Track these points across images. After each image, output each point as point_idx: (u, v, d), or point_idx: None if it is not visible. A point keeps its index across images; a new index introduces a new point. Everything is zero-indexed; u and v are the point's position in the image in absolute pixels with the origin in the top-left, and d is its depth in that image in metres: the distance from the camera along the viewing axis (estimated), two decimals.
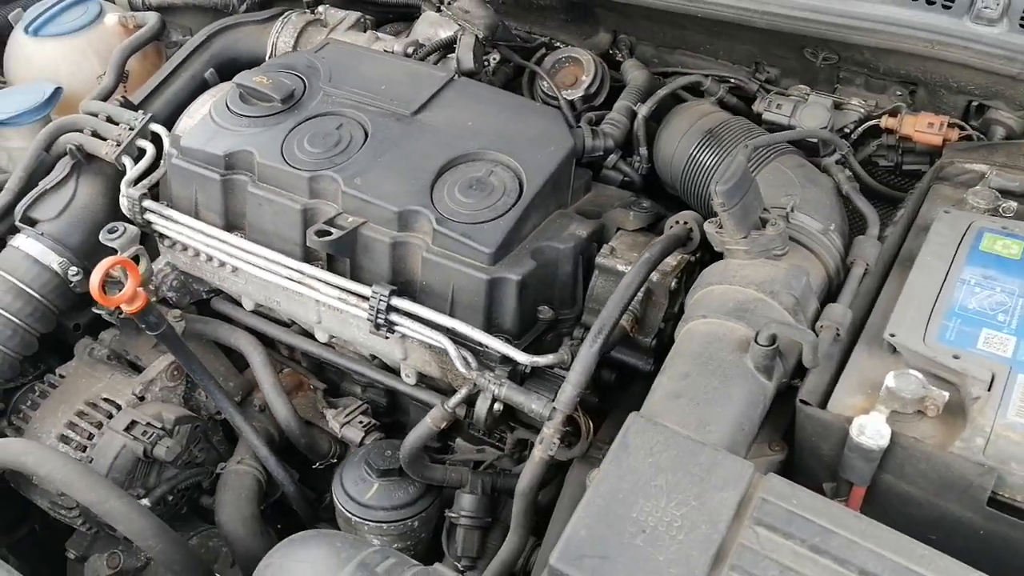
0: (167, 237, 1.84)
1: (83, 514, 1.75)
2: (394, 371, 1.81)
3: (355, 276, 1.66)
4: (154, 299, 1.82)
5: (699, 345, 1.41)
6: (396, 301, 1.57)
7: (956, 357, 1.34)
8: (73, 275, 1.82)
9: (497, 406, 1.57)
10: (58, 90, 2.02)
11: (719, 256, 1.56)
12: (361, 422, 1.88)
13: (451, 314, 1.58)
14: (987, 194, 1.57)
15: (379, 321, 1.59)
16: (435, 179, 1.64)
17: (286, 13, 2.16)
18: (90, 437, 1.78)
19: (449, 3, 1.97)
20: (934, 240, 1.52)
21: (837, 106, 1.78)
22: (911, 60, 1.68)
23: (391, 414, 1.99)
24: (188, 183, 1.80)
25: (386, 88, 1.80)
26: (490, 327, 1.58)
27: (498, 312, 1.58)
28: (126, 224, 1.80)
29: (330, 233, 1.60)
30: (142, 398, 1.85)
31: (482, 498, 1.67)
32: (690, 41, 1.98)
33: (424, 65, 1.91)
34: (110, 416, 1.81)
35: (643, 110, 1.82)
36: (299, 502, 1.92)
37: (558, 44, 2.09)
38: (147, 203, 1.80)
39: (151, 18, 2.14)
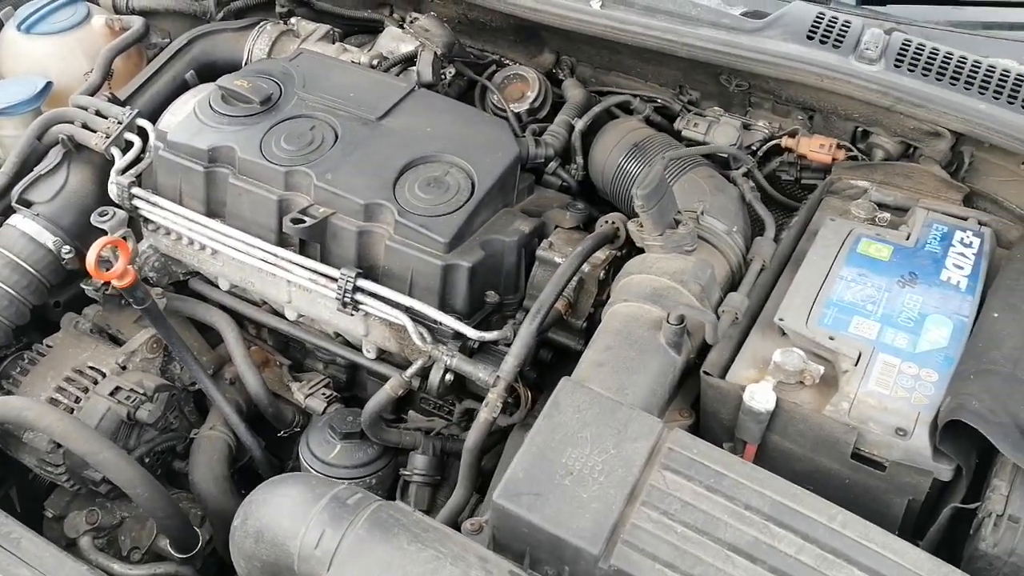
0: (151, 222, 2.04)
1: (68, 471, 1.93)
2: (355, 348, 2.04)
3: (324, 260, 1.87)
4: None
5: (620, 323, 1.67)
6: (361, 282, 1.80)
7: (831, 338, 1.61)
8: (66, 253, 2.00)
9: (448, 376, 1.80)
10: (49, 84, 2.20)
11: (641, 251, 1.83)
12: (324, 394, 2.09)
13: (410, 295, 1.81)
14: (867, 206, 1.86)
15: (346, 300, 1.81)
16: (397, 177, 1.87)
17: (261, 23, 2.37)
18: (77, 401, 1.96)
19: (411, 22, 2.20)
20: (820, 243, 1.80)
21: (745, 127, 2.06)
22: (806, 90, 1.96)
23: (350, 389, 2.20)
24: (173, 173, 2.00)
25: (354, 95, 2.02)
26: (444, 307, 1.81)
27: (451, 294, 1.82)
28: (115, 208, 2.00)
29: (304, 221, 1.82)
30: (124, 367, 2.03)
31: (433, 459, 1.90)
32: (623, 64, 2.24)
33: (388, 76, 2.14)
34: (95, 382, 1.99)
35: (580, 124, 2.09)
36: (265, 466, 2.12)
37: (507, 62, 2.33)
38: (135, 190, 2.00)
39: (136, 22, 2.33)
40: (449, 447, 1.94)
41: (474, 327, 1.80)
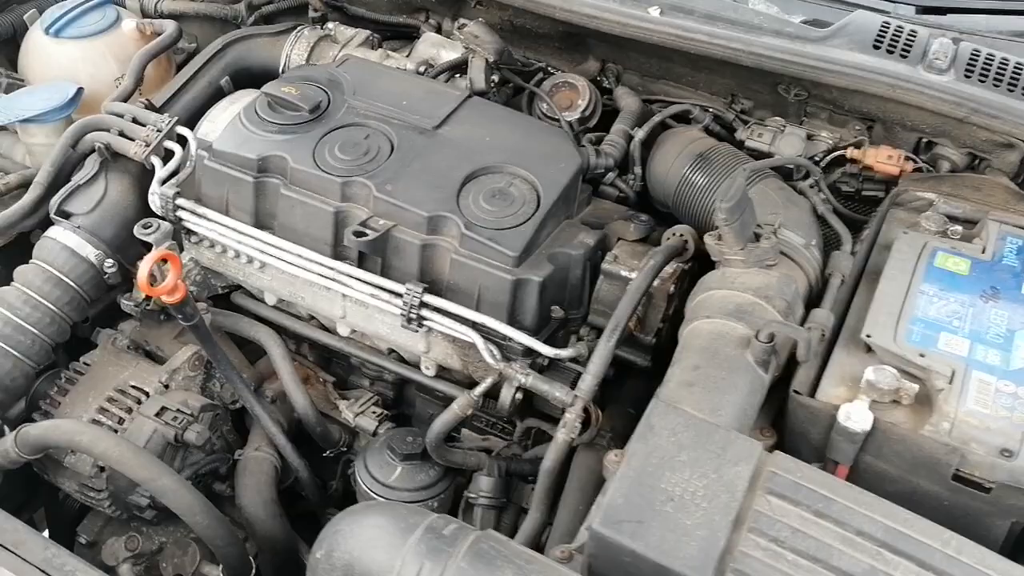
0: (194, 234, 1.95)
1: (111, 496, 1.84)
2: (409, 364, 1.97)
3: (384, 274, 1.81)
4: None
5: (705, 341, 1.62)
6: (428, 298, 1.74)
7: (922, 355, 1.57)
8: (109, 267, 1.91)
9: (518, 395, 1.74)
10: (80, 90, 2.10)
11: (710, 265, 1.78)
12: (374, 412, 2.02)
13: (476, 310, 1.75)
14: (937, 219, 1.82)
15: (411, 316, 1.75)
16: (460, 188, 1.81)
17: (298, 28, 2.29)
18: (120, 422, 1.88)
19: (460, 27, 2.13)
20: (896, 257, 1.76)
21: (808, 137, 2.02)
22: (873, 100, 1.92)
23: (397, 406, 2.13)
24: (219, 184, 1.92)
25: (407, 103, 1.95)
26: (512, 323, 1.75)
27: (520, 310, 1.75)
28: (159, 220, 1.92)
29: (366, 234, 1.75)
30: (167, 386, 1.95)
31: (499, 480, 1.84)
32: (673, 73, 2.19)
33: (440, 84, 2.08)
34: (139, 402, 1.90)
35: (640, 134, 2.03)
36: (311, 488, 2.05)
37: (552, 69, 2.28)
38: (180, 201, 1.91)
39: (168, 26, 2.24)
40: (514, 468, 1.88)
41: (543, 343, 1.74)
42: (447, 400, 2.03)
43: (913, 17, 2.05)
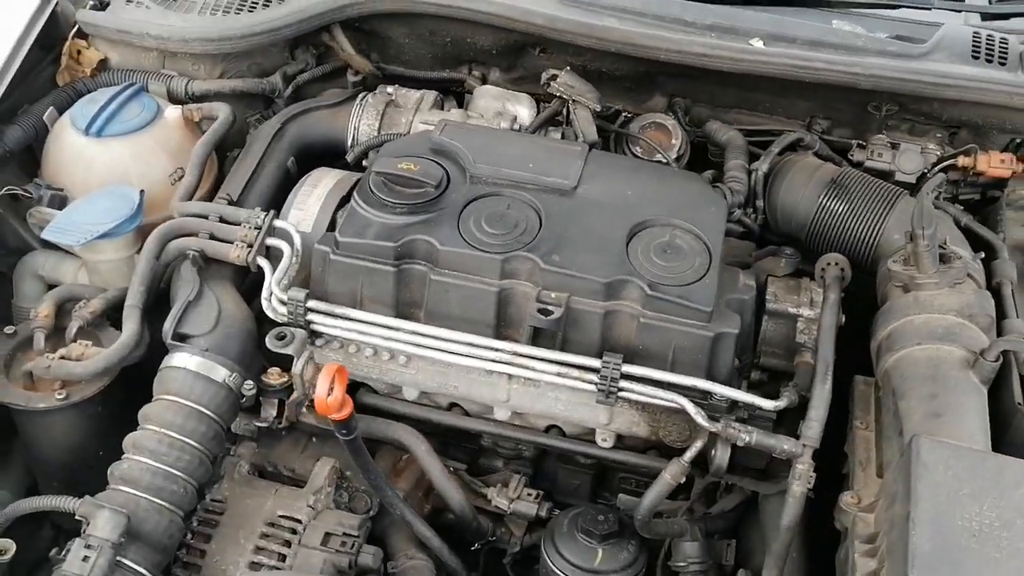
0: (320, 335, 1.77)
1: None
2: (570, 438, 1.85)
3: (563, 349, 1.69)
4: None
5: (927, 368, 1.60)
6: (628, 368, 1.64)
7: None
8: (248, 389, 1.69)
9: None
10: (143, 194, 1.87)
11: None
12: (528, 495, 1.90)
13: (672, 372, 1.66)
14: None
15: (611, 389, 1.64)
16: (627, 248, 1.72)
17: (362, 96, 2.14)
18: (282, 558, 1.67)
19: (551, 78, 2.04)
20: None
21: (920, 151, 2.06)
22: (973, 108, 1.99)
23: (535, 482, 2.00)
24: (350, 278, 1.74)
25: (533, 165, 1.84)
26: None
27: (716, 366, 1.68)
28: (291, 328, 1.73)
29: (550, 311, 1.63)
30: (314, 508, 1.75)
31: (704, 543, 1.76)
32: (749, 100, 2.19)
33: (553, 140, 1.98)
34: (293, 532, 1.70)
35: (763, 167, 2.01)
36: None
37: (626, 111, 2.22)
38: (312, 303, 1.73)
39: (221, 110, 2.02)
40: (710, 527, 1.80)
41: None
42: (599, 469, 1.95)
43: (984, 25, 2.13)
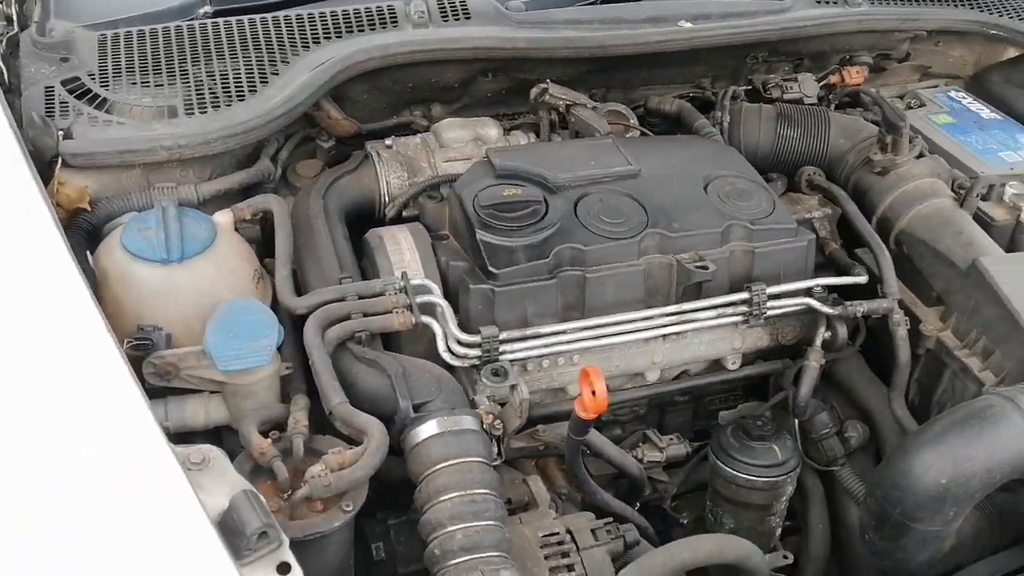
0: (514, 361, 1.87)
1: None
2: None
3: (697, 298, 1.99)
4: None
5: (938, 218, 2.16)
6: (772, 288, 1.98)
7: None
8: (498, 428, 1.73)
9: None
10: (274, 317, 1.78)
11: None
12: (671, 440, 2.15)
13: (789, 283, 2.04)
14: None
15: (759, 312, 1.97)
16: (712, 203, 2.06)
17: (370, 151, 2.19)
18: (570, 568, 1.76)
19: (543, 91, 2.27)
20: None
21: None
22: (826, 39, 2.60)
23: None
24: (517, 302, 1.87)
25: (595, 163, 2.09)
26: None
27: (809, 267, 2.07)
28: (500, 365, 1.81)
29: (707, 267, 1.92)
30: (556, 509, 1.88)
31: (831, 411, 2.16)
32: (657, 77, 2.60)
33: (585, 140, 2.23)
34: (561, 543, 1.79)
35: (727, 118, 2.42)
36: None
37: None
38: (504, 334, 1.82)
39: (272, 202, 1.95)
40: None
41: None
42: (695, 403, 2.25)
43: None
